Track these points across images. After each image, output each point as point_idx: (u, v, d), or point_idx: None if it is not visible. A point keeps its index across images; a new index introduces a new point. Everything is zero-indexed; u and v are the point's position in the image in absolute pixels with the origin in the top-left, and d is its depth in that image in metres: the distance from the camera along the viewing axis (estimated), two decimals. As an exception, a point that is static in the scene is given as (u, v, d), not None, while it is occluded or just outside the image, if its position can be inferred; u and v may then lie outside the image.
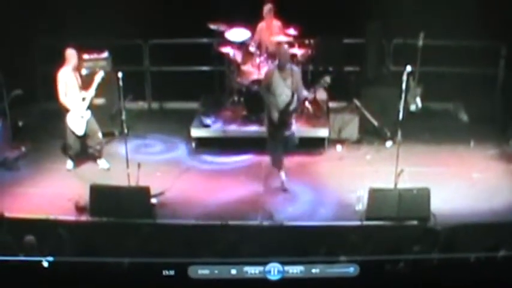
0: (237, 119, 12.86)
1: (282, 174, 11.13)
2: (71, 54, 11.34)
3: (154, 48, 14.21)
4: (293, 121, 10.84)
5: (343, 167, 11.87)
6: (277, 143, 10.94)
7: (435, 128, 13.02)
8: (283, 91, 10.53)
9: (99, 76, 11.45)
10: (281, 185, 11.15)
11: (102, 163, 11.78)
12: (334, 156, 12.20)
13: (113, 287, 8.32)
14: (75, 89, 11.37)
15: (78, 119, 11.41)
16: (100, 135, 11.72)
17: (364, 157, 12.20)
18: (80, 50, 11.96)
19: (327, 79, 10.64)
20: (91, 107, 11.51)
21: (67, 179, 11.45)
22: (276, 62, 10.99)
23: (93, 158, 11.82)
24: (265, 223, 10.25)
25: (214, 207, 10.64)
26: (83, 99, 11.39)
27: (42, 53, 13.75)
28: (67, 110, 11.36)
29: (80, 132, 11.48)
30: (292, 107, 10.58)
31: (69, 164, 11.75)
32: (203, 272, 8.22)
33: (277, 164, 11.13)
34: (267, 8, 12.91)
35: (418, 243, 8.76)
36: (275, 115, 10.60)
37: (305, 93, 10.86)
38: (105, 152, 11.98)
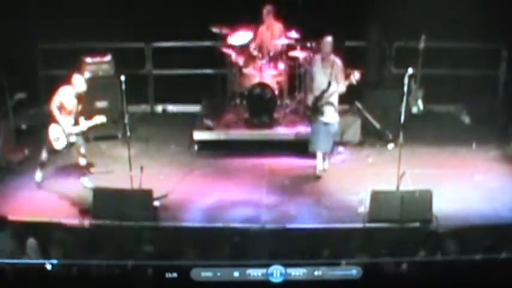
0: (239, 122, 12.89)
1: (319, 161, 11.48)
2: (77, 80, 10.97)
3: (156, 51, 14.26)
4: (330, 110, 11.13)
5: (345, 170, 11.90)
6: (315, 129, 11.36)
7: (437, 130, 13.08)
8: (321, 79, 11.07)
9: (99, 120, 11.10)
10: (314, 170, 11.48)
11: (84, 181, 11.33)
12: (336, 159, 12.22)
13: (116, 289, 8.35)
14: (70, 111, 10.94)
15: (61, 136, 10.97)
16: (84, 159, 11.35)
17: (366, 159, 12.25)
18: (83, 54, 12.02)
19: (357, 75, 10.82)
20: (82, 135, 11.20)
21: (70, 182, 11.45)
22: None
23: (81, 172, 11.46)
24: (268, 226, 10.27)
25: (217, 210, 10.63)
26: (74, 124, 10.98)
27: (45, 57, 13.80)
28: (54, 120, 10.96)
29: (59, 146, 11.03)
30: (326, 95, 11.01)
31: (38, 175, 11.27)
32: (206, 274, 8.24)
33: (315, 149, 11.49)
34: (266, 10, 12.94)
35: (420, 246, 8.77)
36: (310, 99, 11.28)
37: (342, 87, 11.08)
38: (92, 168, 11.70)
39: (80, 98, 11.02)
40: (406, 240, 9.45)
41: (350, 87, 11.15)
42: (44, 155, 11.18)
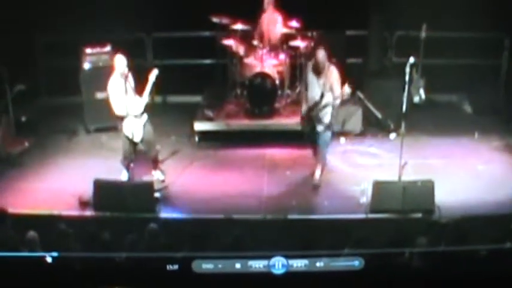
0: (240, 112, 12.85)
1: (317, 170, 11.10)
2: (118, 60, 10.60)
3: (157, 41, 14.20)
4: (324, 119, 10.73)
5: (346, 160, 11.85)
6: (310, 136, 11.07)
7: (439, 120, 13.03)
8: (314, 89, 10.65)
9: (153, 75, 10.68)
10: (312, 179, 11.11)
11: (157, 174, 11.18)
12: (337, 149, 12.16)
13: (116, 282, 8.30)
14: (129, 94, 10.49)
15: (134, 124, 10.66)
16: (154, 141, 11.08)
17: (368, 149, 12.19)
18: (83, 44, 11.94)
19: (347, 89, 10.46)
20: (147, 109, 10.77)
21: (70, 174, 11.41)
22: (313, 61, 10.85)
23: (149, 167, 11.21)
24: (269, 217, 10.23)
25: (218, 201, 10.60)
26: (140, 102, 10.63)
27: (45, 48, 13.74)
28: (122, 118, 10.63)
29: (138, 138, 10.74)
30: (320, 106, 10.63)
31: (124, 174, 10.94)
32: (207, 266, 8.19)
33: (314, 156, 11.23)
34: (267, -1, 12.91)
35: (422, 236, 8.73)
36: (304, 108, 10.89)
37: (337, 94, 10.55)
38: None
39: (125, 76, 10.48)
40: (408, 230, 9.41)
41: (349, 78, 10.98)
42: (124, 150, 10.89)
